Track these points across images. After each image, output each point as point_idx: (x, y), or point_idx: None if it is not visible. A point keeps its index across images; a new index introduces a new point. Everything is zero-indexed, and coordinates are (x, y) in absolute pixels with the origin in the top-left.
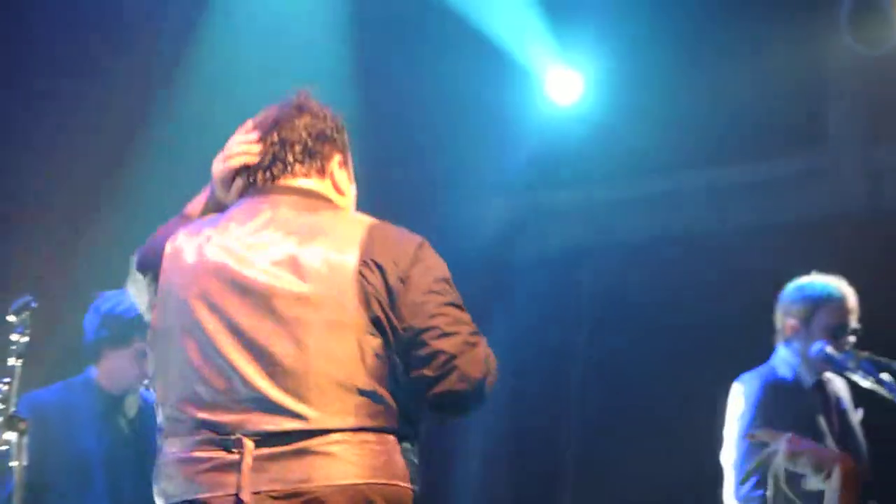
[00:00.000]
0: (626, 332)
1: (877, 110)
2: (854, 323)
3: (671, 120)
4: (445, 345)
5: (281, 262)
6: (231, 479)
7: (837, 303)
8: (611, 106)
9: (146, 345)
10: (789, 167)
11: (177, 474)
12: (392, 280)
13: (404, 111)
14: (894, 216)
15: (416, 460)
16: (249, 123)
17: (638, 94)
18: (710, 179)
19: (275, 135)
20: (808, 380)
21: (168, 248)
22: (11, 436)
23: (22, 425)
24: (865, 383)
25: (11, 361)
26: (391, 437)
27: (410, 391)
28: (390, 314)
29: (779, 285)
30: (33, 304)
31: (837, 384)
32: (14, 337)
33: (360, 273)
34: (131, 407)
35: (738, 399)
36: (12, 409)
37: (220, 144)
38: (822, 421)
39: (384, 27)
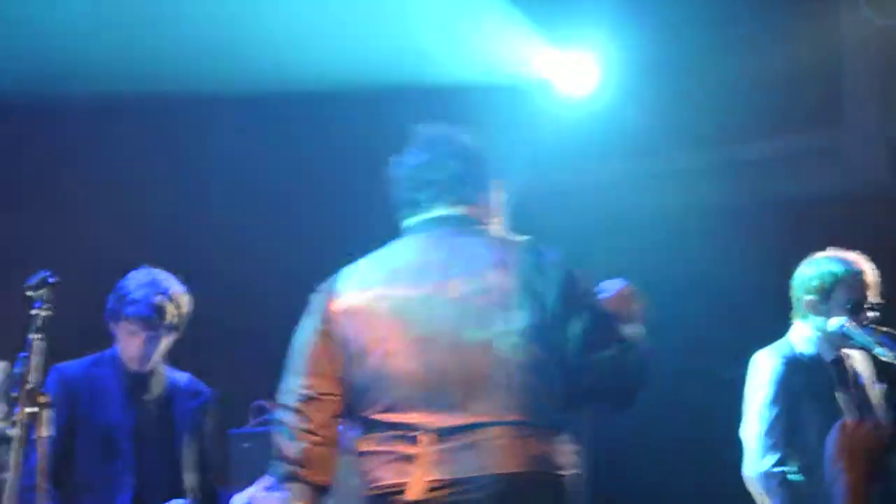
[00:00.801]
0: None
1: (894, 86)
2: (873, 298)
3: (688, 99)
4: None
5: None
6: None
7: (856, 278)
8: (628, 86)
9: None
10: (805, 144)
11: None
12: None
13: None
14: None
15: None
16: None
17: (656, 74)
18: (728, 156)
19: None
20: (827, 355)
21: None
22: (33, 409)
23: (42, 399)
24: (885, 358)
25: (31, 336)
26: (549, 430)
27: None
28: None
29: (797, 261)
30: (52, 279)
31: (856, 359)
32: (34, 311)
33: None
34: (157, 385)
35: (758, 375)
36: (33, 383)
37: None
38: (841, 396)
39: None
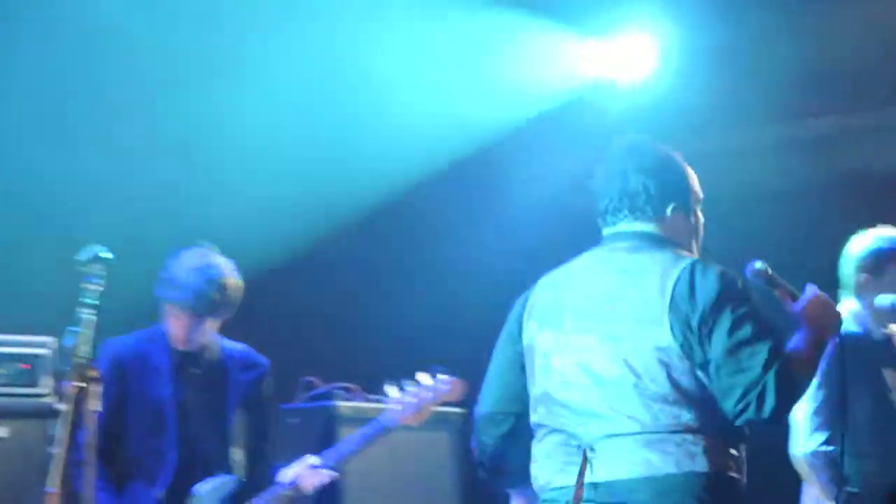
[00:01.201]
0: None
1: None
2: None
3: (768, 73)
4: None
5: None
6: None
7: None
8: (688, 68)
9: None
10: (872, 121)
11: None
12: None
13: None
14: None
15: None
16: None
17: (719, 55)
18: (782, 134)
19: None
20: (875, 332)
21: None
22: (82, 384)
23: (92, 373)
24: None
25: (82, 310)
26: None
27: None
28: None
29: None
30: (104, 254)
31: None
32: (85, 285)
33: None
34: (209, 357)
35: None
36: (83, 357)
37: None
38: (889, 374)
39: None
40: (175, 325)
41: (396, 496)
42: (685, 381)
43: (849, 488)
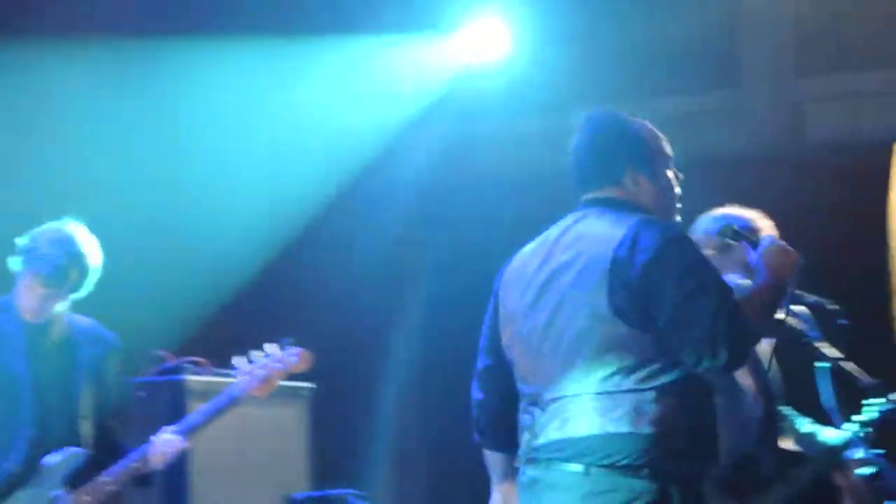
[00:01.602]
0: None
1: (792, 44)
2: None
3: (590, 57)
4: None
5: None
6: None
7: (754, 236)
8: (538, 46)
9: None
10: (705, 105)
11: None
12: None
13: None
14: (809, 151)
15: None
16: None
17: (561, 31)
18: (663, 109)
19: None
20: None
21: None
22: None
23: None
24: (778, 315)
25: None
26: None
27: None
28: None
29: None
30: None
31: None
32: None
33: None
34: (57, 331)
35: None
36: None
37: None
38: None
39: None
40: (28, 297)
41: (245, 473)
42: (624, 343)
43: None
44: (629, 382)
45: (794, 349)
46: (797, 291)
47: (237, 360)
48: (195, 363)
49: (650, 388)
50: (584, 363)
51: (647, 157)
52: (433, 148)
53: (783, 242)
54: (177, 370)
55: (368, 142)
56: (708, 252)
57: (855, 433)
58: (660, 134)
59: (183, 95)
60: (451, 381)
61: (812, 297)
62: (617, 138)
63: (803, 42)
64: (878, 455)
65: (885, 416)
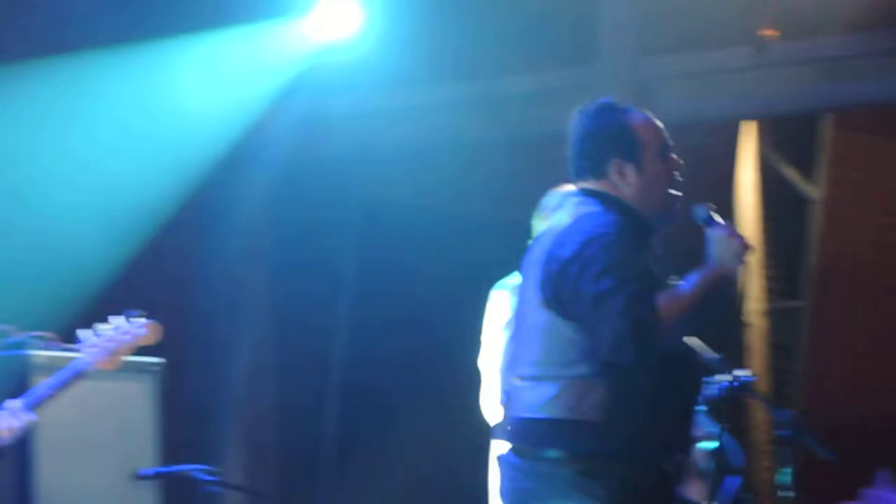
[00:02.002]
0: (395, 240)
1: (642, 22)
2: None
3: (443, 33)
4: None
5: None
6: None
7: None
8: (391, 24)
9: None
10: (556, 80)
11: None
12: None
13: None
14: (665, 128)
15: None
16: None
17: (414, 7)
18: (481, 90)
19: None
20: None
21: None
22: None
23: None
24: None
25: None
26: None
27: None
28: None
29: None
30: None
31: None
32: None
33: None
34: None
35: (501, 306)
36: None
37: None
38: None
39: None
40: None
41: (93, 448)
42: (553, 333)
43: None
44: (552, 370)
45: None
46: None
47: (82, 333)
48: (41, 337)
49: (569, 377)
50: (527, 351)
51: (633, 149)
52: (289, 126)
53: (731, 230)
54: (21, 345)
55: (230, 126)
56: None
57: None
58: (656, 125)
59: (48, 90)
60: (302, 357)
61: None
62: (603, 130)
63: (652, 21)
64: (719, 430)
65: (726, 391)
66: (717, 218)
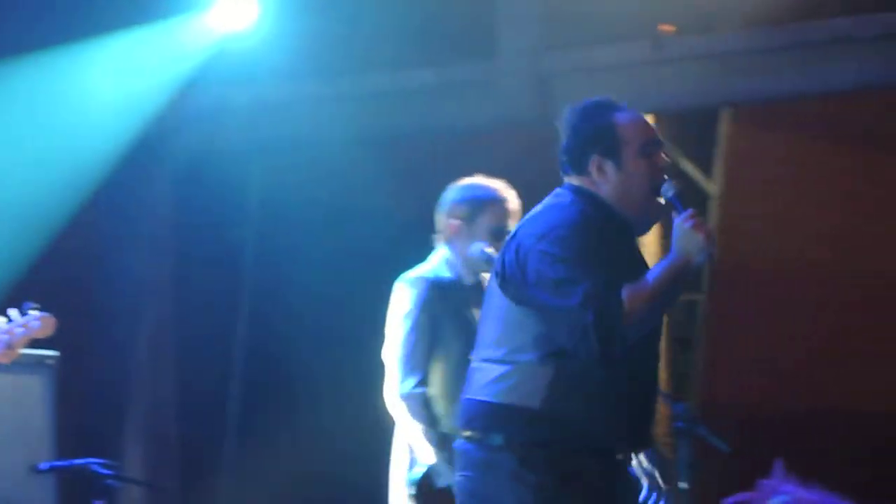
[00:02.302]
0: (296, 236)
1: (542, 17)
2: (514, 225)
3: (343, 26)
4: None
5: None
6: None
7: (500, 205)
8: (286, 14)
9: None
10: (455, 74)
11: None
12: None
13: None
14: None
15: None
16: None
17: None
18: (381, 84)
19: None
20: (467, 279)
21: None
22: None
23: None
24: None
25: None
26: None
27: None
28: None
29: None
30: None
31: None
32: None
33: None
34: None
35: (403, 298)
36: None
37: None
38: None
39: None
40: None
41: None
42: (510, 318)
43: (441, 429)
44: (504, 353)
45: None
46: None
47: None
48: None
49: (517, 361)
50: (487, 333)
51: (613, 146)
52: (190, 119)
53: (694, 220)
54: None
55: (131, 122)
56: (454, 221)
57: None
58: (641, 122)
59: None
60: (203, 349)
61: None
62: (585, 127)
63: (552, 16)
64: None
65: None
66: (682, 200)
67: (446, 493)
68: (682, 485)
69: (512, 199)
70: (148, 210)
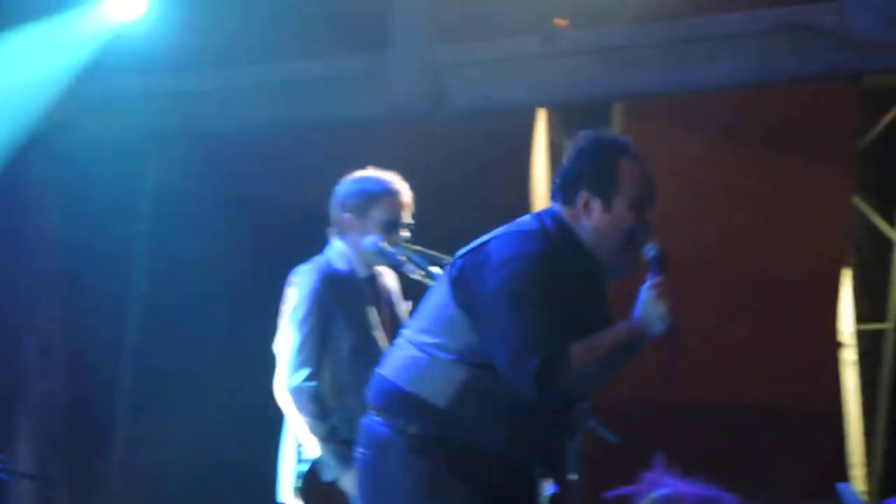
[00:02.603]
0: (190, 229)
1: (435, 10)
2: (407, 218)
3: (236, 15)
4: None
5: None
6: None
7: (392, 197)
8: (179, 3)
9: None
10: (349, 66)
11: None
12: None
13: None
14: (452, 115)
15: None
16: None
17: None
18: (273, 74)
19: None
20: (361, 272)
21: None
22: None
23: None
24: (416, 276)
25: None
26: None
27: None
28: None
29: (337, 182)
30: None
31: (388, 277)
32: None
33: None
34: None
35: (295, 291)
36: None
37: None
38: (373, 312)
39: None
40: None
41: None
42: (446, 312)
43: (332, 422)
44: (426, 340)
45: None
46: (434, 253)
47: None
48: None
49: (435, 354)
50: (421, 315)
51: (606, 186)
52: (81, 111)
53: (661, 290)
54: None
55: (23, 115)
56: (346, 214)
57: None
58: (642, 174)
59: None
60: (94, 343)
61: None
62: (585, 160)
63: (446, 8)
64: None
65: None
66: (661, 264)
67: (332, 486)
68: (572, 476)
69: (405, 192)
70: (36, 203)
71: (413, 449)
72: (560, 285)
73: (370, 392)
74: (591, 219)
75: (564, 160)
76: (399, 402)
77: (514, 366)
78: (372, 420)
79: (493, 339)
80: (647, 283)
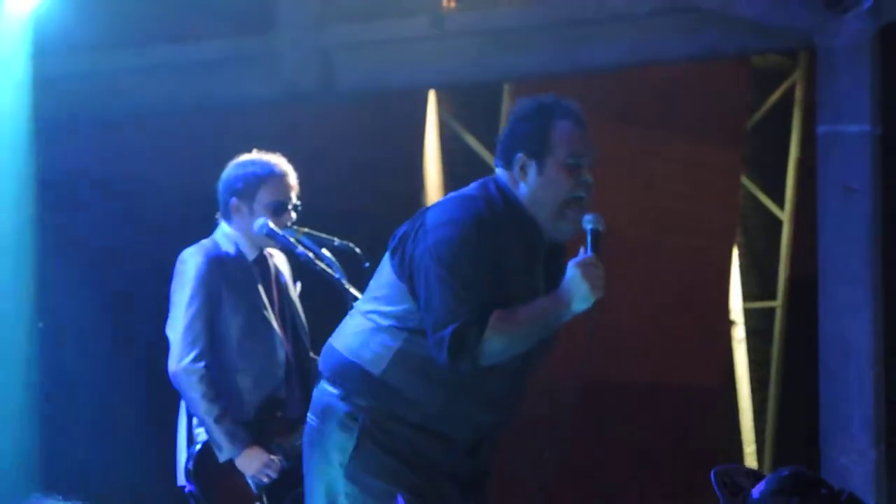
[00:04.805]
0: (89, 209)
1: None
2: (295, 199)
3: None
4: None
5: None
6: None
7: (279, 179)
8: None
9: None
10: (235, 48)
11: None
12: None
13: None
14: (339, 98)
15: None
16: None
17: None
18: (161, 56)
19: None
20: (249, 254)
21: None
22: None
23: None
24: (304, 258)
25: None
26: None
27: None
28: None
29: (223, 166)
30: None
31: (278, 259)
32: None
33: None
34: None
35: (182, 272)
36: None
37: None
38: (263, 294)
39: None
40: None
41: None
42: (388, 281)
43: (223, 403)
44: (369, 309)
45: (322, 291)
46: (323, 235)
47: None
48: None
49: (376, 322)
50: (371, 286)
51: (541, 150)
52: None
53: (589, 267)
54: None
55: None
56: (233, 198)
57: None
58: (579, 136)
59: None
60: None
61: (339, 242)
62: (520, 123)
63: None
64: None
65: None
66: (596, 240)
67: (228, 466)
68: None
69: (291, 174)
70: None
71: (349, 415)
72: (489, 253)
73: (321, 360)
74: (528, 182)
75: (506, 126)
76: (340, 370)
77: (433, 330)
78: (319, 388)
79: (422, 304)
80: (577, 259)
